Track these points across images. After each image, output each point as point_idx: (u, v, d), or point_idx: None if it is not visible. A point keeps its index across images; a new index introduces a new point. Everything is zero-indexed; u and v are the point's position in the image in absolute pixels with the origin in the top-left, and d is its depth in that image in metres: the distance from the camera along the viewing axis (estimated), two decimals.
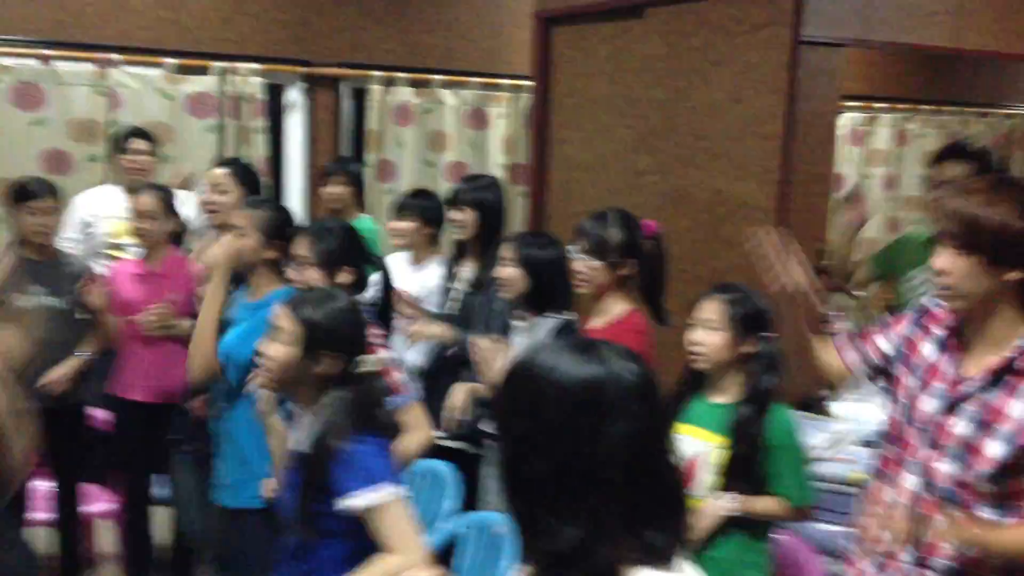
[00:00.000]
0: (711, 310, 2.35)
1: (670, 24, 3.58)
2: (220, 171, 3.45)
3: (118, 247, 4.07)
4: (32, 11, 4.58)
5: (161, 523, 3.69)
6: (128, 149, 4.19)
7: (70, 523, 3.62)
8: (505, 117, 5.66)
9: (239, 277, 2.87)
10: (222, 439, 2.80)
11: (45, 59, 4.56)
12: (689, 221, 3.52)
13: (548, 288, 2.94)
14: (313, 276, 2.63)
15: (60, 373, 3.42)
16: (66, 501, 3.59)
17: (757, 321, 2.32)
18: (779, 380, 2.31)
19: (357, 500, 1.94)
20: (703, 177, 3.49)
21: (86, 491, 3.67)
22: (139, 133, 4.27)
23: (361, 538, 1.97)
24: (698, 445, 2.32)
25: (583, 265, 2.77)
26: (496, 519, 2.74)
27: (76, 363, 3.47)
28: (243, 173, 3.47)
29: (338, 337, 2.09)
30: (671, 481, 1.27)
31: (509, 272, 2.94)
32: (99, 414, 3.69)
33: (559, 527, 1.19)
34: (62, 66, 4.60)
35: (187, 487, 3.30)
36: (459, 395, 3.08)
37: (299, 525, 2.04)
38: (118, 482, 3.70)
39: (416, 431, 2.52)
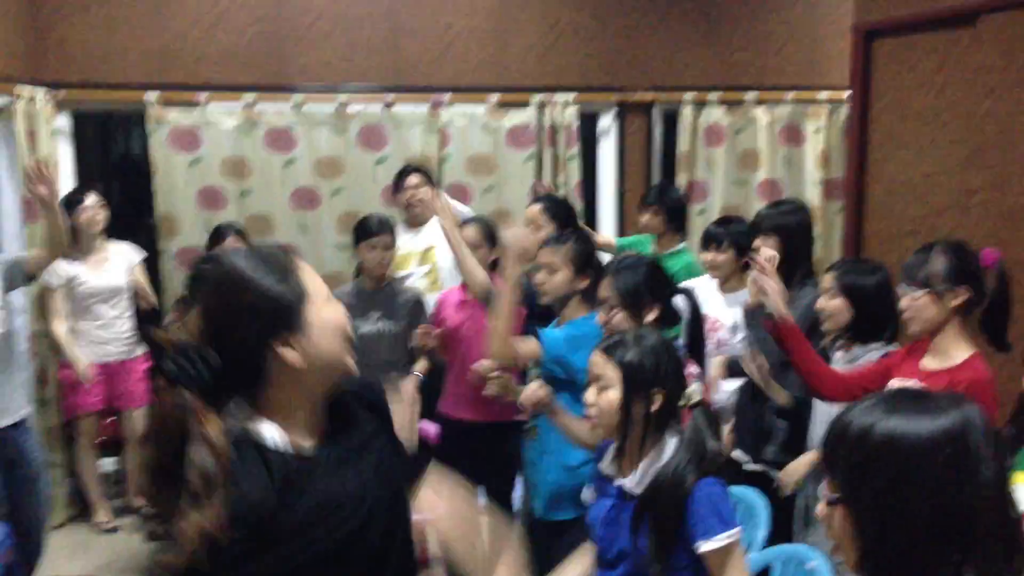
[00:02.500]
0: None
1: (1006, 31, 3.30)
2: (535, 207, 3.65)
3: (402, 279, 4.38)
4: (376, 61, 5.11)
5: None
6: (404, 186, 4.48)
7: None
8: (821, 131, 5.45)
9: (549, 311, 3.01)
10: (538, 452, 2.96)
11: (387, 104, 5.07)
12: None
13: (872, 318, 2.81)
14: (619, 318, 2.66)
15: (409, 387, 3.77)
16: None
17: None
18: None
19: (715, 543, 1.96)
20: None
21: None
22: (413, 169, 4.54)
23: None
24: None
25: (908, 300, 2.59)
26: (809, 553, 2.67)
27: (414, 380, 3.83)
28: (555, 208, 3.65)
29: (658, 375, 2.09)
30: (1016, 529, 1.21)
31: (832, 303, 2.85)
32: (430, 428, 4.03)
33: None
34: (400, 109, 5.09)
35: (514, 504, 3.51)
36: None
37: (651, 567, 2.05)
38: None
39: None
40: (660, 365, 2.10)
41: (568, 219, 3.69)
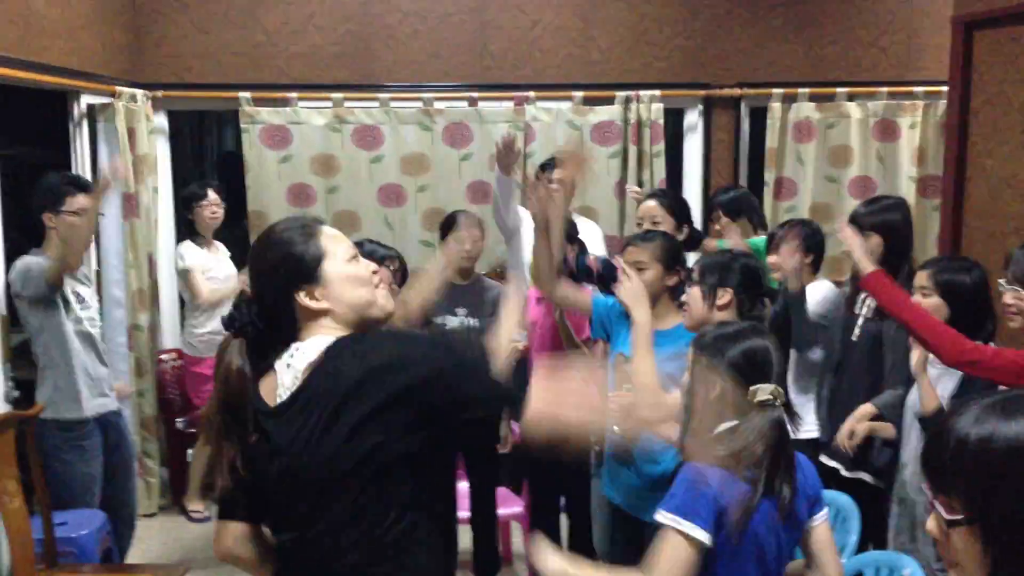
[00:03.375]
0: None
1: None
2: (652, 203, 3.63)
3: None
4: (462, 59, 5.15)
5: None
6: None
7: (486, 522, 3.98)
8: (917, 126, 5.29)
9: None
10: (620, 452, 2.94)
11: (472, 101, 5.09)
12: None
13: (969, 317, 2.73)
14: (693, 293, 2.66)
15: None
16: (482, 502, 3.96)
17: None
18: None
19: (661, 517, 1.90)
20: None
21: (501, 494, 4.03)
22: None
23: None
24: None
25: (1012, 296, 2.50)
26: (903, 561, 2.60)
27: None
28: (673, 203, 3.63)
29: (762, 371, 2.03)
30: None
31: (928, 301, 2.77)
32: (514, 424, 4.04)
33: None
34: (485, 106, 5.11)
35: (595, 501, 3.49)
36: (856, 424, 2.99)
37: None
38: (526, 489, 4.02)
39: None
40: (728, 357, 2.04)
41: (684, 215, 3.64)
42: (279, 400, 1.66)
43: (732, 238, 3.84)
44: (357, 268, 1.76)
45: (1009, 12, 3.62)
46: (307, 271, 1.69)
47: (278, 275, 1.70)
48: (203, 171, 6.28)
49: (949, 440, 1.13)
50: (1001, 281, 2.56)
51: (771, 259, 3.53)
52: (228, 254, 4.89)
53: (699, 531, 1.87)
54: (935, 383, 2.78)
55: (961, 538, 1.13)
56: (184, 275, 4.68)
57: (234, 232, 5.07)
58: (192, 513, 4.75)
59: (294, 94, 4.96)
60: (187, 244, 4.71)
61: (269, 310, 1.71)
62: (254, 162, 4.95)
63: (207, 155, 6.03)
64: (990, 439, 1.10)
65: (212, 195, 4.71)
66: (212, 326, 4.63)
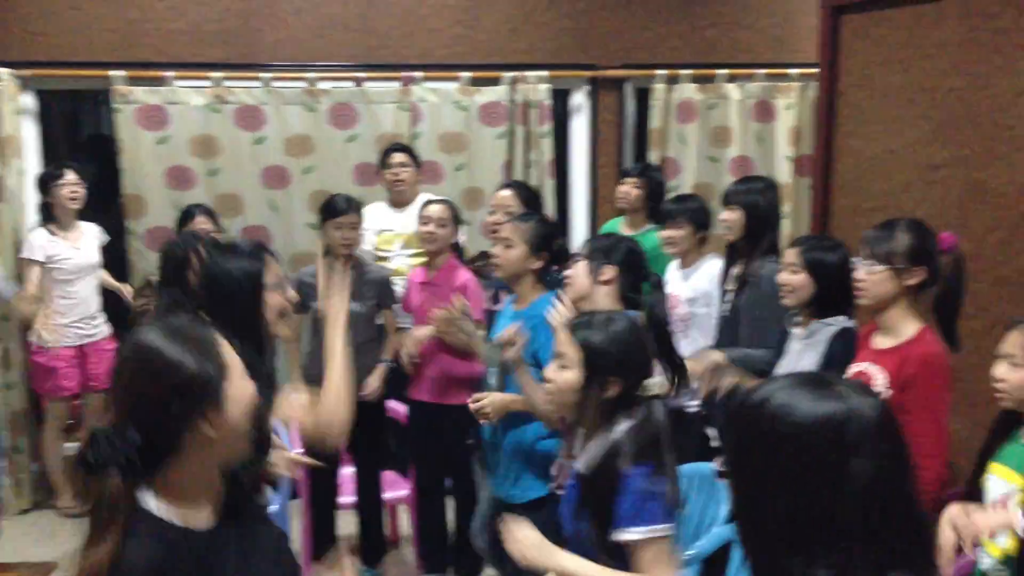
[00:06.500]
0: (1015, 344, 2.14)
1: (970, 6, 3.30)
2: (507, 193, 3.67)
3: (383, 258, 4.39)
4: (347, 38, 5.07)
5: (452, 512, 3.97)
6: (389, 164, 4.48)
7: (371, 507, 3.97)
8: (793, 108, 5.45)
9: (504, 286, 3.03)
10: (500, 437, 2.98)
11: (358, 81, 5.03)
12: (990, 219, 3.24)
13: (832, 293, 2.84)
14: (579, 267, 2.74)
15: (375, 381, 3.80)
16: (368, 487, 3.95)
17: None
18: None
19: (628, 535, 1.94)
20: (1007, 171, 3.19)
21: (386, 478, 4.03)
22: (398, 148, 4.55)
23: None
24: (1004, 486, 2.14)
25: (864, 272, 2.61)
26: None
27: (383, 369, 3.84)
28: (526, 193, 3.68)
29: (620, 361, 2.07)
30: (919, 520, 1.21)
31: (795, 278, 2.87)
32: (399, 408, 4.03)
33: (800, 572, 1.16)
34: (371, 86, 5.05)
35: (478, 484, 3.54)
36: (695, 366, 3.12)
37: (597, 549, 2.03)
38: (413, 473, 4.03)
39: None
40: (624, 353, 2.08)
41: (536, 205, 3.72)
42: None
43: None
44: (250, 387, 1.50)
45: None
46: (209, 392, 1.42)
47: (173, 400, 1.40)
48: (78, 153, 6.03)
49: (749, 392, 1.26)
50: (855, 259, 2.66)
51: (664, 233, 3.66)
52: (97, 237, 4.67)
53: (668, 528, 1.96)
54: (799, 356, 2.89)
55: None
56: (21, 263, 4.48)
57: (108, 217, 4.88)
58: (66, 509, 4.60)
59: (171, 73, 4.80)
60: (38, 232, 4.48)
61: (152, 438, 1.41)
62: (129, 143, 4.78)
63: (82, 137, 5.79)
64: (766, 400, 1.21)
65: (70, 175, 4.47)
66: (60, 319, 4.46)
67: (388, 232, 4.43)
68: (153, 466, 1.41)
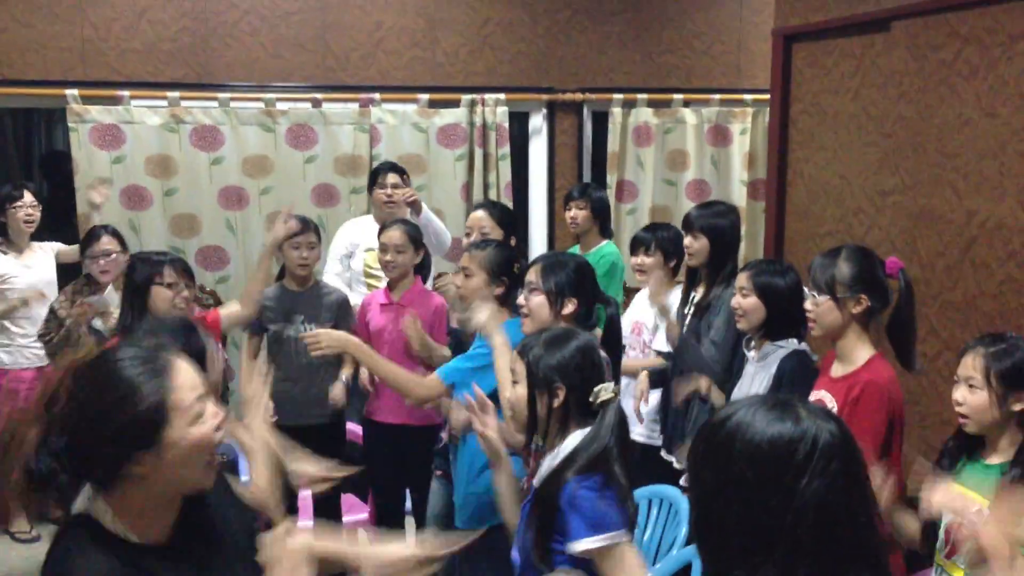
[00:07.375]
0: (972, 366, 2.17)
1: (917, 37, 3.39)
2: (480, 213, 3.67)
3: (374, 276, 4.39)
4: (305, 59, 5.07)
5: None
6: (383, 183, 4.48)
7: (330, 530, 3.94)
8: (747, 132, 5.55)
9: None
10: (458, 462, 2.97)
11: (316, 102, 5.03)
12: (938, 244, 3.32)
13: (785, 317, 2.88)
14: (538, 301, 2.70)
15: (339, 392, 3.77)
16: (326, 510, 3.91)
17: None
18: None
19: (582, 545, 1.95)
20: (953, 197, 3.27)
21: (345, 502, 4.00)
22: (392, 168, 4.54)
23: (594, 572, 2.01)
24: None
25: (810, 303, 2.65)
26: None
27: (343, 387, 3.82)
28: (499, 214, 3.69)
29: (561, 370, 2.09)
30: (868, 540, 1.25)
31: (746, 302, 2.91)
32: (358, 429, 4.01)
33: None
34: (329, 107, 5.05)
35: (434, 507, 3.52)
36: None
37: (536, 559, 2.04)
38: (371, 495, 4.01)
39: None
40: (564, 361, 2.10)
41: (509, 225, 3.71)
42: None
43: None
44: (201, 431, 1.44)
45: (824, 26, 3.84)
46: (145, 434, 1.38)
47: (110, 434, 1.37)
48: (31, 173, 5.94)
49: (719, 410, 1.32)
50: (805, 289, 2.70)
51: (635, 260, 3.70)
52: (53, 257, 4.60)
53: (626, 533, 1.97)
54: (752, 380, 2.93)
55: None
56: None
57: (64, 237, 4.80)
58: (17, 534, 4.50)
59: (126, 92, 4.77)
60: None
61: (88, 461, 1.39)
62: (84, 163, 4.73)
63: (35, 156, 5.70)
64: (727, 418, 1.27)
65: (28, 197, 4.37)
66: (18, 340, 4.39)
67: (376, 251, 4.41)
68: (104, 485, 1.41)
